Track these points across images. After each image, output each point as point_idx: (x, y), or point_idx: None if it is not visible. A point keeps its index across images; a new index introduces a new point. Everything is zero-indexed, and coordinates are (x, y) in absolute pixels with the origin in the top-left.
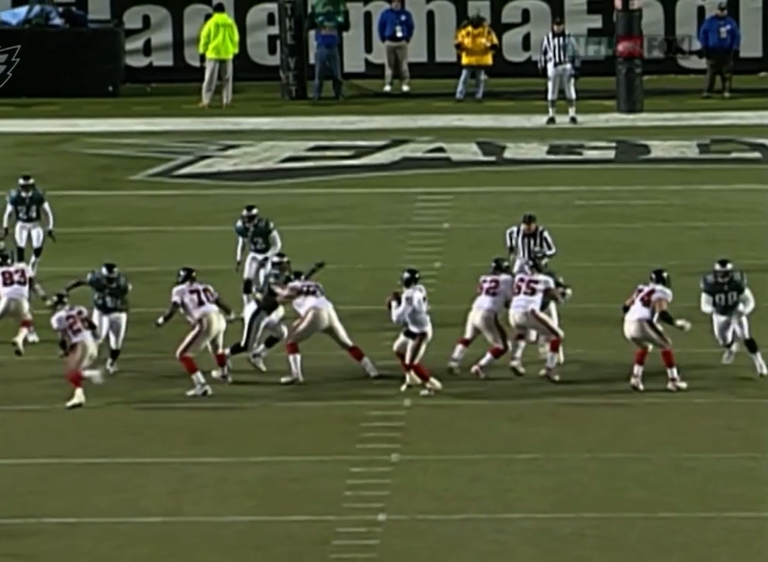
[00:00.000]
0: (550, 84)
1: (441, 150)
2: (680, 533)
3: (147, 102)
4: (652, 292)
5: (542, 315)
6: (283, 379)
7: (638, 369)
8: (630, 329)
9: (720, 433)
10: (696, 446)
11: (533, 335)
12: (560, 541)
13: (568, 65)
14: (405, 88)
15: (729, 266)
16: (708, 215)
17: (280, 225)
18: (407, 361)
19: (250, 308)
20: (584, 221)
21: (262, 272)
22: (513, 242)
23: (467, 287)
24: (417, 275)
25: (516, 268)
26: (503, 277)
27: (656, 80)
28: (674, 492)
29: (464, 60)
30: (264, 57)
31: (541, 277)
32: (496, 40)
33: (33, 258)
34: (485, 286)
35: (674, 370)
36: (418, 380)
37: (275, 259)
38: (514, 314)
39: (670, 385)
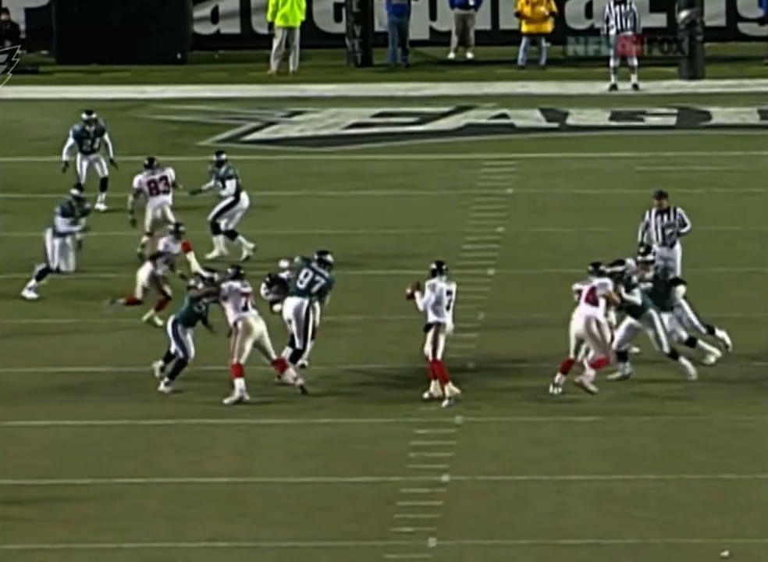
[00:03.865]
0: (612, 51)
1: (505, 116)
2: (740, 494)
3: (215, 69)
4: (593, 289)
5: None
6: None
7: (559, 378)
8: (577, 325)
9: None
10: (755, 408)
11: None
12: (620, 502)
13: (630, 33)
14: (469, 55)
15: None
16: None
17: (345, 190)
18: (430, 357)
19: (291, 304)
20: (646, 186)
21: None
22: (646, 224)
23: (530, 252)
24: (444, 267)
25: (652, 256)
26: (597, 281)
27: (717, 47)
28: (734, 454)
29: (524, 28)
30: (331, 25)
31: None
32: (555, 8)
33: (100, 195)
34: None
35: (592, 372)
36: (440, 391)
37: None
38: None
39: (577, 379)
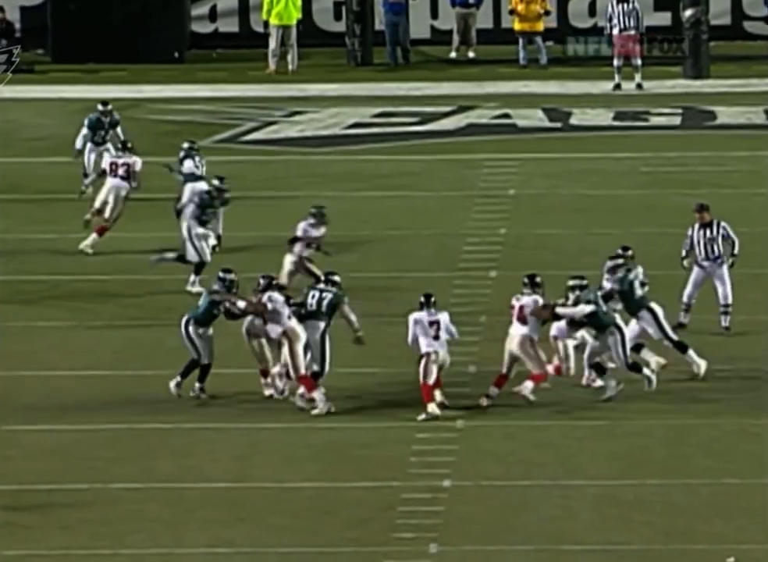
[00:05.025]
0: (615, 50)
1: (507, 116)
2: (745, 499)
3: (213, 68)
4: (522, 308)
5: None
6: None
7: (493, 391)
8: (511, 344)
9: None
10: (761, 412)
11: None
12: (625, 507)
13: (633, 32)
14: (471, 55)
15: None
16: None
17: (346, 190)
18: (421, 381)
19: (307, 327)
20: (650, 187)
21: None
22: (690, 240)
23: (532, 253)
24: (432, 300)
25: (694, 275)
26: (527, 299)
27: (723, 46)
28: (739, 459)
29: (517, 26)
30: (330, 23)
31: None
32: (549, 7)
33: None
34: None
35: (531, 384)
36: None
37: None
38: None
39: (521, 391)
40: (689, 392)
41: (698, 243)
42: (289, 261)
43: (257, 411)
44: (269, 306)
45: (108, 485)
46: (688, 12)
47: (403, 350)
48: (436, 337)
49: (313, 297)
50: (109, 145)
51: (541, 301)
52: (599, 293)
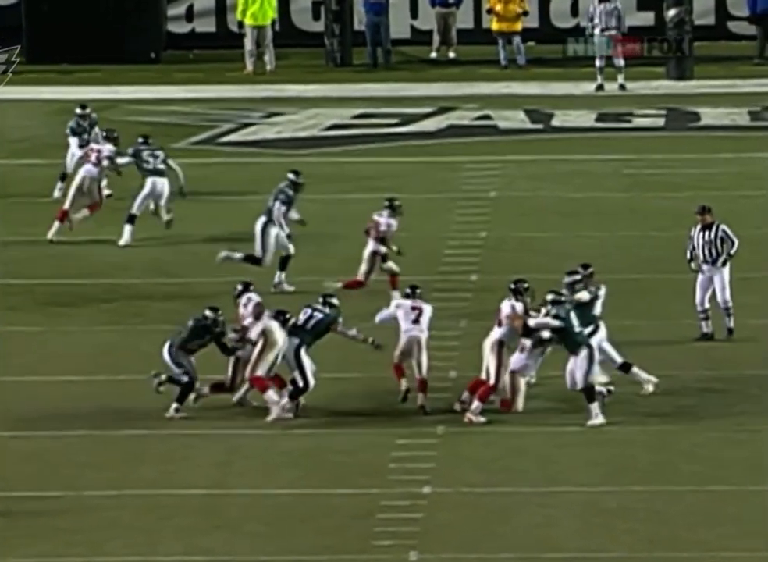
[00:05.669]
0: (598, 51)
1: (488, 117)
2: (730, 506)
3: (190, 69)
4: (499, 312)
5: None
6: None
7: (466, 395)
8: (485, 347)
9: None
10: (746, 418)
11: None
12: (608, 514)
13: (615, 32)
14: (452, 55)
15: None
16: (760, 183)
17: (325, 193)
18: (416, 374)
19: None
20: (634, 189)
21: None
22: (691, 242)
23: (514, 257)
24: (418, 291)
25: (700, 279)
26: (507, 304)
27: (707, 47)
28: (724, 465)
29: (495, 26)
30: (309, 23)
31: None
32: (528, 7)
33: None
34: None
35: (477, 403)
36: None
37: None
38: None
39: (467, 417)
40: (672, 397)
41: (699, 245)
42: (367, 256)
43: (236, 418)
44: (256, 303)
45: (83, 493)
46: (672, 12)
47: (382, 355)
48: (416, 321)
49: (304, 313)
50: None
51: (519, 308)
52: (572, 311)
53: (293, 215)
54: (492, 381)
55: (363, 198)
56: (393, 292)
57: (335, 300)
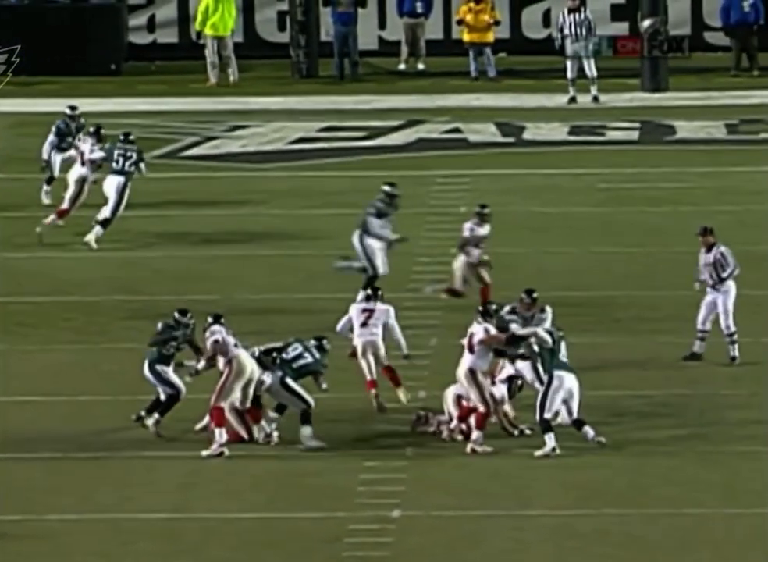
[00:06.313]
0: (569, 62)
1: (458, 131)
2: (707, 530)
3: (152, 81)
4: (471, 336)
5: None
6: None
7: (455, 424)
8: (458, 374)
9: (749, 428)
10: (723, 439)
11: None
12: (582, 538)
13: (585, 42)
14: (420, 66)
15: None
16: (738, 198)
17: (291, 208)
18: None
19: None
20: (608, 204)
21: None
22: (697, 263)
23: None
24: (379, 293)
25: (705, 299)
26: (477, 328)
27: (682, 58)
28: (701, 488)
29: (466, 37)
30: (274, 34)
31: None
32: (499, 17)
33: (46, 187)
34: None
35: (477, 433)
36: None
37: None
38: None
39: (470, 448)
40: (647, 419)
41: (701, 267)
42: (459, 266)
43: (198, 438)
44: (214, 340)
45: (43, 517)
46: (646, 23)
47: (350, 374)
48: (364, 324)
49: (294, 350)
50: (72, 151)
51: (492, 331)
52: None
53: (386, 233)
54: (482, 408)
55: (328, 214)
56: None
57: (327, 345)
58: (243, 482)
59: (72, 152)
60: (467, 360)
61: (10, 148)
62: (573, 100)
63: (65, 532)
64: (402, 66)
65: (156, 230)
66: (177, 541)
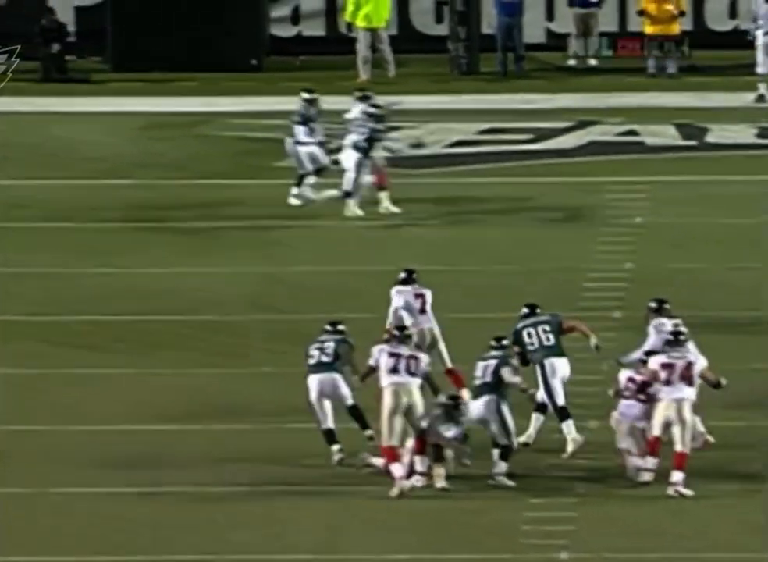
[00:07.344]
0: (760, 56)
1: (634, 133)
2: None
3: (296, 77)
4: (690, 366)
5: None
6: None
7: (653, 461)
8: (669, 409)
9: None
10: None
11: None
12: None
13: None
14: (593, 62)
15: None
16: None
17: (447, 216)
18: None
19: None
20: None
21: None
22: None
23: (663, 291)
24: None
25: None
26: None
27: None
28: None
29: (648, 29)
30: (431, 26)
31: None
32: (684, 8)
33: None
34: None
35: (679, 474)
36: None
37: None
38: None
39: (674, 490)
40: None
41: None
42: None
43: (347, 474)
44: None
45: (175, 557)
46: None
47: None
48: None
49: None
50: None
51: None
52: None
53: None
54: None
55: (490, 225)
56: None
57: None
58: (397, 521)
59: (320, 137)
60: (689, 392)
61: (140, 153)
62: (762, 98)
63: None
64: (572, 62)
65: (303, 243)
66: None
